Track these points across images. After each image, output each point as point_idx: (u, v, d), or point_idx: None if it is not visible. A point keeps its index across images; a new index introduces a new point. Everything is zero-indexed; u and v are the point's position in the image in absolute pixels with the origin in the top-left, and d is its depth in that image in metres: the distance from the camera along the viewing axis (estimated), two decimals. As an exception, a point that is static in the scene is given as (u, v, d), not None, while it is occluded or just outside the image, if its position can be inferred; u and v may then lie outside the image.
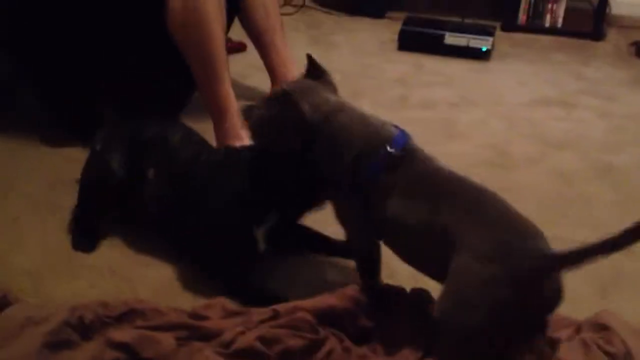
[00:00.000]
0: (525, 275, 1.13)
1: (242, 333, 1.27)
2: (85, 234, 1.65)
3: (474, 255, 1.16)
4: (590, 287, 1.57)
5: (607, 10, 3.17)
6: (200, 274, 1.54)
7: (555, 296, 1.17)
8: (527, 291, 1.13)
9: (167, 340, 1.26)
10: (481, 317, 1.13)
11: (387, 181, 1.28)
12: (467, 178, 1.32)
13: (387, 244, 1.37)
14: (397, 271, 1.57)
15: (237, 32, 2.36)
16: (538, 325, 1.22)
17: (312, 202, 1.51)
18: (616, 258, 1.57)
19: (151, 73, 2.03)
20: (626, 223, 1.08)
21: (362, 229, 1.36)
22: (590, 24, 3.15)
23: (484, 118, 2.38)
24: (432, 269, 1.28)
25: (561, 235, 1.73)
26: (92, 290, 1.49)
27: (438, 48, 2.88)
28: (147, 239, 1.65)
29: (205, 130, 1.84)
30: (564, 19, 3.17)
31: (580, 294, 1.53)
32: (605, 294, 1.55)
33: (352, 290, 1.39)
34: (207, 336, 1.29)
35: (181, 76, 1.99)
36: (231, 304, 1.40)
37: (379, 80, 2.64)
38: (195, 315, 1.34)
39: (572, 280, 1.56)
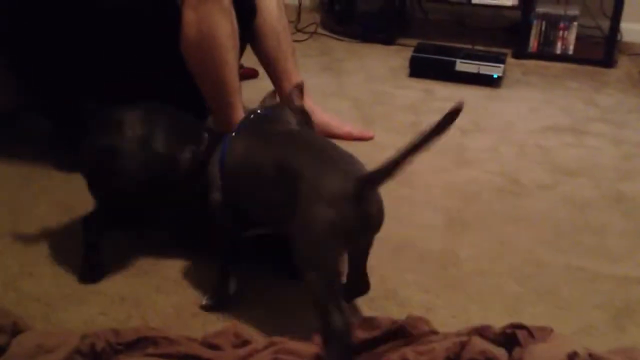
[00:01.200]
0: (344, 195, 1.27)
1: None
2: (93, 264, 1.63)
3: (308, 187, 1.30)
4: (605, 313, 1.55)
5: (618, 38, 3.18)
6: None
7: (377, 213, 1.34)
8: (350, 209, 1.27)
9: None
10: (320, 236, 1.27)
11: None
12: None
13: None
14: (408, 301, 1.57)
15: (249, 59, 2.37)
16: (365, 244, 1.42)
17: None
18: (629, 286, 1.57)
19: (164, 99, 2.04)
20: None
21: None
22: (601, 51, 3.16)
23: (495, 145, 2.37)
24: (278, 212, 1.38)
25: (574, 264, 1.73)
26: (102, 317, 1.49)
27: (449, 75, 2.89)
28: (156, 264, 1.65)
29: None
30: (575, 46, 3.18)
31: (594, 323, 1.51)
32: (619, 323, 1.53)
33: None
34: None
35: (194, 102, 2.00)
36: (243, 331, 1.39)
37: (390, 107, 2.65)
38: (206, 344, 1.33)
39: (585, 309, 1.56)
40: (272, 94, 1.74)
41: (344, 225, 1.27)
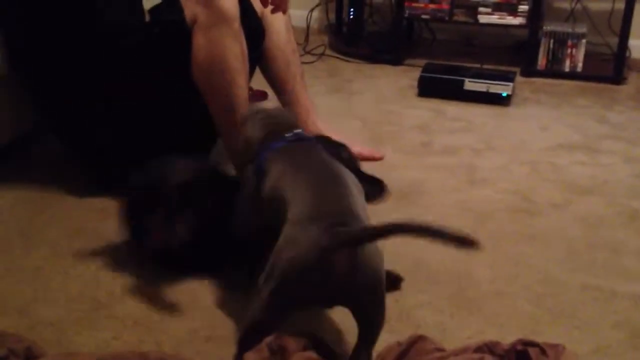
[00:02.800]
0: (310, 255, 1.23)
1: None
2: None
3: (292, 221, 1.31)
4: (621, 332, 1.53)
5: (627, 54, 3.17)
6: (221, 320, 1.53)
7: (349, 274, 1.23)
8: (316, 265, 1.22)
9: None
10: (281, 274, 1.26)
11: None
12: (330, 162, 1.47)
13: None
14: (422, 322, 1.56)
15: (258, 81, 2.38)
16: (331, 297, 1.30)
17: None
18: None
19: (174, 122, 2.05)
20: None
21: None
22: (610, 68, 3.15)
23: (506, 163, 2.37)
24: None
25: (589, 283, 1.71)
26: (115, 342, 1.48)
27: (458, 94, 2.89)
28: (169, 288, 1.64)
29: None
30: (584, 63, 3.17)
31: (610, 343, 1.50)
32: (636, 343, 1.51)
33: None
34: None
35: (204, 125, 2.01)
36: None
37: (399, 127, 2.65)
38: None
39: (601, 329, 1.54)
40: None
41: (298, 281, 1.24)
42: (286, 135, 1.54)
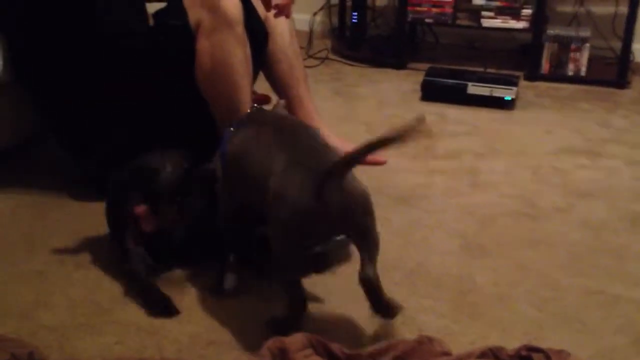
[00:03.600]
0: (300, 195, 1.35)
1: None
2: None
3: (277, 174, 1.40)
4: (625, 337, 1.53)
5: (631, 58, 3.17)
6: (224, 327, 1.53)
7: (343, 201, 1.36)
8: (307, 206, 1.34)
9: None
10: (281, 237, 1.40)
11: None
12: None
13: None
14: (425, 327, 1.55)
15: (262, 86, 2.38)
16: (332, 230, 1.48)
17: None
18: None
19: (177, 125, 2.05)
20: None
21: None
22: (613, 72, 3.15)
23: (509, 168, 2.36)
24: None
25: (593, 288, 1.70)
26: (117, 347, 1.48)
27: (461, 98, 2.89)
28: (171, 293, 1.64)
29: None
30: (587, 67, 3.17)
31: (614, 347, 1.49)
32: (640, 348, 1.51)
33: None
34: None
35: (208, 129, 2.01)
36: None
37: (402, 131, 2.64)
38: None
39: (605, 333, 1.54)
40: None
41: (302, 223, 1.36)
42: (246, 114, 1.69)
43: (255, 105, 1.67)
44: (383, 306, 1.47)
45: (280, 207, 1.37)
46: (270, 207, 1.39)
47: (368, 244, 1.44)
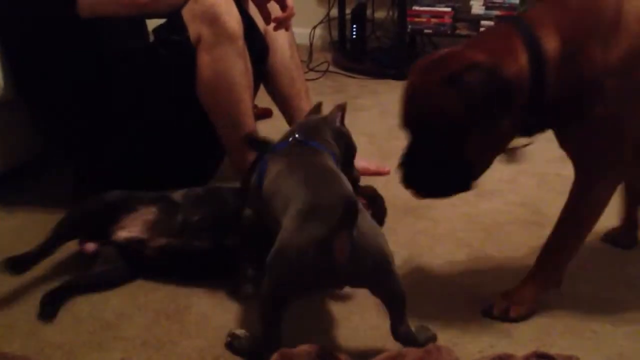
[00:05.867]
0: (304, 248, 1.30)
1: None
2: None
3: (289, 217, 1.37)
4: (634, 342, 1.52)
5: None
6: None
7: (347, 255, 1.28)
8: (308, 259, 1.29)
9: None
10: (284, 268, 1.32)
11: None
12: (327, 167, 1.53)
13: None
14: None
15: (263, 99, 2.38)
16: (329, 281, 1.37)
17: None
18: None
19: (179, 141, 2.05)
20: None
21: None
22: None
23: (514, 175, 2.36)
24: None
25: (601, 294, 1.69)
26: (124, 363, 1.47)
27: (463, 107, 2.88)
28: (178, 307, 1.64)
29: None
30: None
31: (624, 353, 1.48)
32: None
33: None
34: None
35: (211, 143, 2.01)
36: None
37: (405, 141, 2.63)
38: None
39: (614, 339, 1.52)
40: (317, 108, 1.82)
41: (299, 275, 1.31)
42: (288, 139, 1.61)
43: (297, 136, 1.62)
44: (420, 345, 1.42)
45: (282, 248, 1.33)
46: (275, 246, 1.35)
47: (390, 299, 1.38)
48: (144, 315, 1.63)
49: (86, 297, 1.69)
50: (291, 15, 2.05)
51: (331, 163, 1.54)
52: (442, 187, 1.56)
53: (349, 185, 1.47)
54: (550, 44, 1.44)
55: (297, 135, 1.61)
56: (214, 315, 1.63)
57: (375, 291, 1.39)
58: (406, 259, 1.84)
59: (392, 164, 2.39)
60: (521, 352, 1.39)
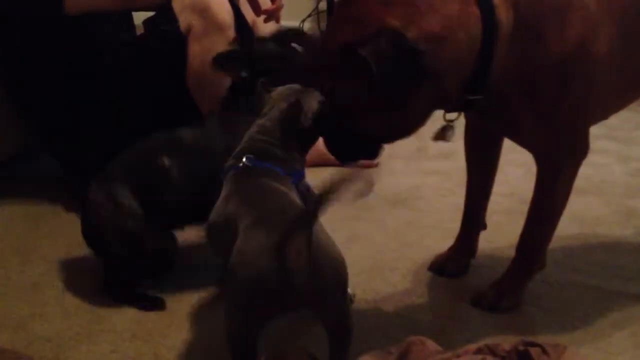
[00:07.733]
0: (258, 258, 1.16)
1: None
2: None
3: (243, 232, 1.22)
4: (621, 331, 1.53)
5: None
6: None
7: (302, 266, 1.14)
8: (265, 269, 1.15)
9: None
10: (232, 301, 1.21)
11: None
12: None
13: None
14: (421, 326, 1.55)
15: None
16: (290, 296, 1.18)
17: None
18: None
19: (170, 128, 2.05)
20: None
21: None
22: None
23: (500, 166, 2.35)
24: None
25: (588, 283, 1.71)
26: (113, 355, 1.47)
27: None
28: (167, 299, 1.64)
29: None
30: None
31: (611, 341, 1.49)
32: (636, 341, 1.51)
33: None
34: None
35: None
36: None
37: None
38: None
39: (601, 328, 1.54)
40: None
41: (258, 288, 1.16)
42: (243, 161, 1.41)
43: (245, 160, 1.42)
44: None
45: (234, 269, 1.19)
46: (228, 268, 1.21)
47: (339, 328, 1.24)
48: (133, 308, 1.63)
49: (75, 290, 1.69)
50: (280, 7, 2.05)
51: (280, 184, 1.37)
52: (350, 153, 1.46)
53: (298, 201, 1.34)
54: (504, 14, 1.29)
55: (244, 160, 1.42)
56: (202, 308, 1.63)
57: (327, 313, 1.23)
58: (396, 250, 1.85)
59: (380, 155, 2.40)
60: (508, 340, 1.40)
